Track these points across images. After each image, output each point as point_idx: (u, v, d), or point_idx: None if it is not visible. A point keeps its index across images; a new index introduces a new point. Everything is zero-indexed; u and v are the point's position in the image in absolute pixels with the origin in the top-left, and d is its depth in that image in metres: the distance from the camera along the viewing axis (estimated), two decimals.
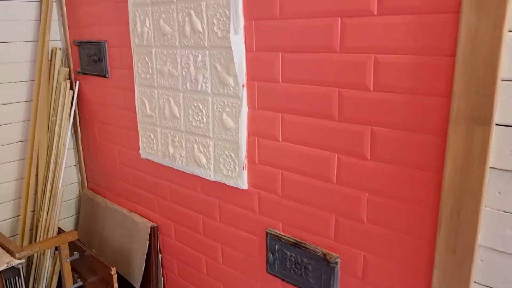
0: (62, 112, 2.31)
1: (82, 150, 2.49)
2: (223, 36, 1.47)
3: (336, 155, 1.27)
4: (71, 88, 2.35)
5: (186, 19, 1.58)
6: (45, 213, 2.34)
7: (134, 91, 1.93)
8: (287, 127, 1.38)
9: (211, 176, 1.67)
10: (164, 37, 1.69)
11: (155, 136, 1.87)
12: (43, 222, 2.34)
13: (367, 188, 1.23)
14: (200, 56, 1.58)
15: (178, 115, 1.74)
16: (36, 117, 2.24)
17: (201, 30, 1.54)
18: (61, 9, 2.29)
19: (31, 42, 2.26)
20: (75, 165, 2.57)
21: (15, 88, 2.24)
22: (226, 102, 1.54)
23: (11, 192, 2.34)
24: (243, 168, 1.54)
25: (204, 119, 1.63)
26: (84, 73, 2.25)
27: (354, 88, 1.19)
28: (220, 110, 1.56)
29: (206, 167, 1.68)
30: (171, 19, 1.64)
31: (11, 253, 1.86)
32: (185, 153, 1.76)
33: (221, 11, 1.46)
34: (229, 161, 1.58)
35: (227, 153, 1.58)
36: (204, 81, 1.59)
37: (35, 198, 2.33)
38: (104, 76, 2.11)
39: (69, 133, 2.35)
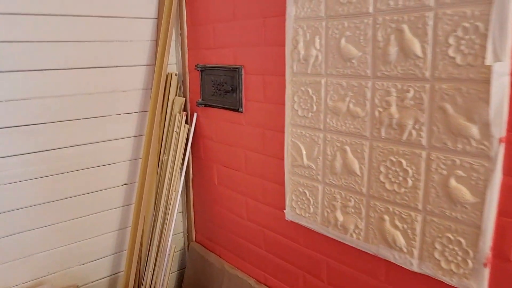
0: (176, 150, 1.90)
1: (193, 195, 2.07)
2: (466, 62, 0.96)
3: None
4: (187, 121, 1.94)
5: (392, 37, 1.09)
6: (149, 272, 1.93)
7: (282, 132, 1.46)
8: None
9: (413, 264, 1.14)
10: (346, 63, 1.21)
11: (313, 194, 1.38)
12: (147, 283, 1.92)
13: None
14: (412, 91, 1.07)
15: (358, 171, 1.24)
16: (148, 155, 1.85)
17: (420, 54, 1.04)
18: (181, 28, 1.90)
19: (144, 67, 1.88)
20: (182, 212, 2.15)
21: (124, 121, 1.86)
22: (458, 162, 1.01)
23: (111, 244, 1.94)
24: (483, 264, 1.00)
25: (409, 182, 1.12)
26: (206, 105, 1.83)
27: None
28: (445, 172, 1.04)
29: (405, 250, 1.15)
30: (362, 37, 1.16)
31: None
32: (365, 225, 1.25)
33: (467, 25, 0.95)
34: (454, 249, 1.05)
35: (451, 236, 1.05)
36: (417, 127, 1.08)
37: (139, 253, 1.92)
38: (236, 110, 1.67)
39: (183, 176, 1.93)
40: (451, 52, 0.98)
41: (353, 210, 1.28)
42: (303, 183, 1.41)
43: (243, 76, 1.62)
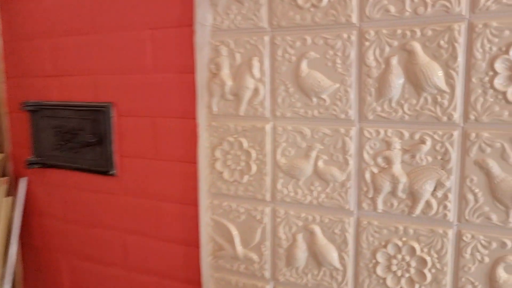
0: None
1: None
2: None
3: None
4: (9, 192, 1.21)
5: (394, 61, 0.71)
6: None
7: (194, 205, 0.94)
8: None
9: None
10: (311, 99, 0.78)
11: None
12: None
13: None
14: (429, 141, 0.71)
15: (336, 262, 0.81)
16: None
17: (445, 88, 0.69)
18: None
19: None
20: None
21: None
22: (510, 245, 0.68)
23: None
24: None
25: (428, 275, 0.74)
26: (44, 165, 1.15)
27: None
28: (487, 259, 0.70)
29: None
30: (338, 60, 0.75)
31: None
32: None
33: None
34: None
35: None
36: (439, 195, 0.72)
37: None
38: (104, 173, 1.06)
39: (6, 279, 1.18)
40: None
41: None
42: (238, 283, 0.91)
43: (113, 120, 1.03)
